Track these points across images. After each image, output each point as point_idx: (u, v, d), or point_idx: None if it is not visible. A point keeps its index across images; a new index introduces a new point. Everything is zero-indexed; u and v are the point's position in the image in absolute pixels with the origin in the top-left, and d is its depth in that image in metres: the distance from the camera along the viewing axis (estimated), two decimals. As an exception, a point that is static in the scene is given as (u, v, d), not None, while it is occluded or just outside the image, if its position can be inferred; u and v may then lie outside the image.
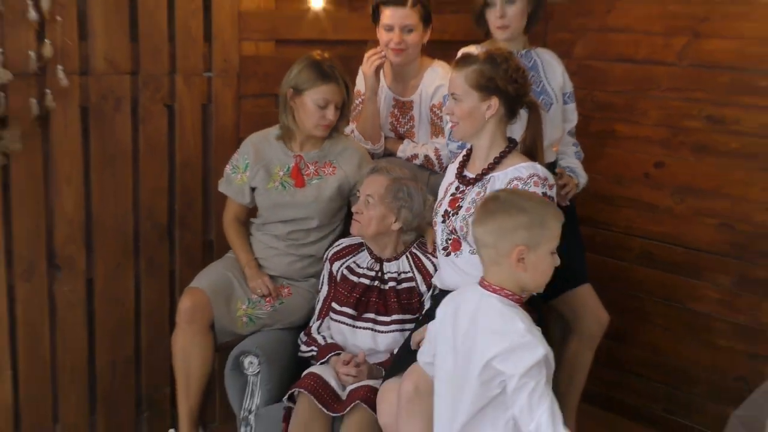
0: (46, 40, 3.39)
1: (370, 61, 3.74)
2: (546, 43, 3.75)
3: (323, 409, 3.02)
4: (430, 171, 3.68)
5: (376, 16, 3.75)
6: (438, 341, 2.62)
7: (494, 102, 2.97)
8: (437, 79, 3.76)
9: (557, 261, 2.49)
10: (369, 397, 3.00)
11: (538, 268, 2.45)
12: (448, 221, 3.07)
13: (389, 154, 3.83)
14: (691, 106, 3.91)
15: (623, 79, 4.14)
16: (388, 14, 3.66)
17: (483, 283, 2.50)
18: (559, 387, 3.43)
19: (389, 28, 3.66)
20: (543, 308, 3.15)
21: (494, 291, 2.46)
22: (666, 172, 4.03)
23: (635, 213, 4.13)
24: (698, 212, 3.93)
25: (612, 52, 4.17)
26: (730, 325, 3.71)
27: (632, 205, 4.14)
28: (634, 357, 4.13)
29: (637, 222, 4.13)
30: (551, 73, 3.51)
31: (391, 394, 2.88)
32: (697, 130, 3.90)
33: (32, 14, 3.34)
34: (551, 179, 3.01)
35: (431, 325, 2.75)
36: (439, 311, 2.69)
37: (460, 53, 3.22)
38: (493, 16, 3.42)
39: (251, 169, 3.50)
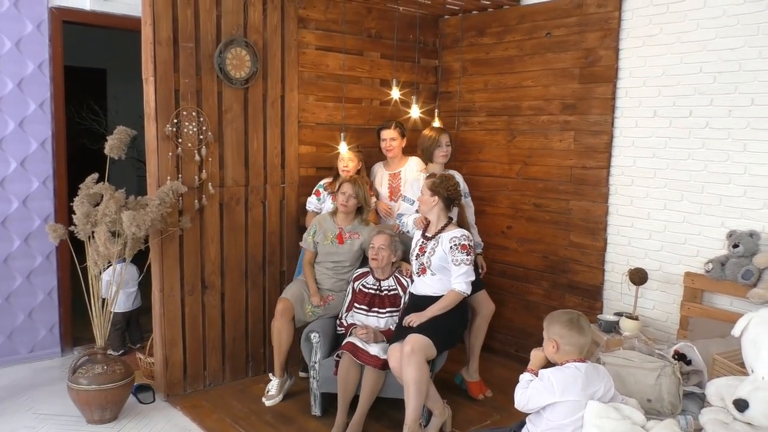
0: (203, 170, 3.37)
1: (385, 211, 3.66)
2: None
3: (356, 360, 2.97)
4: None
5: (378, 136, 3.68)
6: None
7: (436, 198, 3.02)
8: (415, 162, 3.67)
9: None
10: (377, 363, 2.93)
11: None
12: (419, 259, 3.07)
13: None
14: (523, 198, 3.93)
15: (488, 185, 4.09)
16: (383, 134, 3.64)
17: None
18: (471, 343, 3.46)
19: (384, 140, 3.63)
20: (467, 302, 3.15)
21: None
22: (512, 231, 4.00)
23: (497, 251, 4.05)
24: (530, 250, 3.91)
25: (482, 173, 4.12)
26: (548, 307, 3.63)
27: (496, 247, 4.05)
28: (501, 324, 3.99)
29: (498, 256, 4.05)
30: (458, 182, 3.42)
31: (396, 351, 2.84)
32: (528, 210, 3.91)
33: (197, 157, 3.33)
34: (469, 236, 3.02)
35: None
36: None
37: (428, 172, 3.27)
38: (439, 152, 3.42)
39: (316, 234, 3.41)
